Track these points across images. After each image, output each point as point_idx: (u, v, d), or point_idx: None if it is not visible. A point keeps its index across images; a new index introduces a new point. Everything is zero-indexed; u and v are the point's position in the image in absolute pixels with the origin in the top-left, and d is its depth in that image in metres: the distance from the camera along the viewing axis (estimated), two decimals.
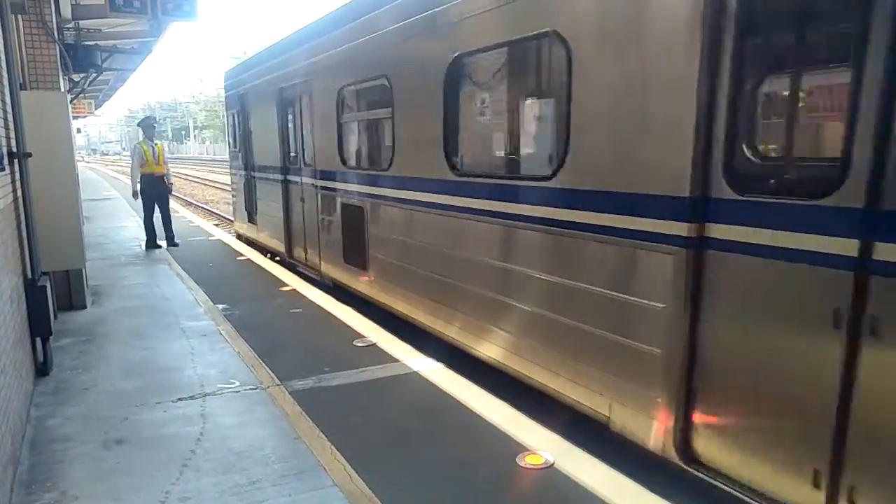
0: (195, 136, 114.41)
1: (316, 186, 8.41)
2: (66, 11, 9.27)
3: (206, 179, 41.54)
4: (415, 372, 5.16)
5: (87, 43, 10.42)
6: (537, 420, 4.20)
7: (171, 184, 12.00)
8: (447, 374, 5.09)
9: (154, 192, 11.36)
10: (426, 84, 5.56)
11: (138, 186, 11.36)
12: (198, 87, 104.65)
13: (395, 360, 5.42)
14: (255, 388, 4.89)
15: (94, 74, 11.91)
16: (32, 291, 5.14)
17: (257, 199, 11.45)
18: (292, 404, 4.57)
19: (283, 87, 9.38)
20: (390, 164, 6.32)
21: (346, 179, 7.51)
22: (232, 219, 17.48)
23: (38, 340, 5.24)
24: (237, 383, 4.99)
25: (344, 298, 7.66)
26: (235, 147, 12.79)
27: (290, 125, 9.49)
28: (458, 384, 4.88)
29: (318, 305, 7.37)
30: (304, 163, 8.86)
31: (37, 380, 5.12)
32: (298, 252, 9.55)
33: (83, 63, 10.16)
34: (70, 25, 10.21)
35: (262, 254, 11.10)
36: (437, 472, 3.65)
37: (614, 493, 3.34)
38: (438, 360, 5.40)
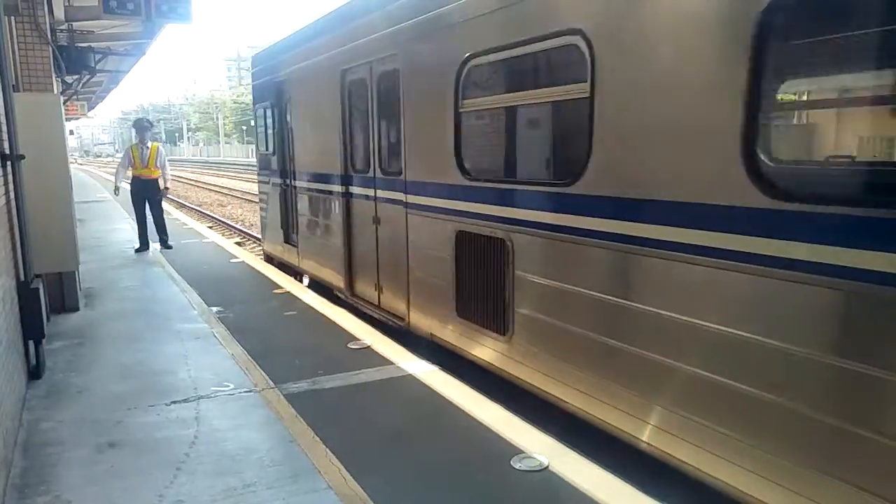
0: (188, 137, 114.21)
1: (406, 205, 6.02)
2: (60, 13, 9.24)
3: (199, 182, 41.44)
4: (409, 374, 5.16)
5: (80, 45, 10.37)
6: (532, 422, 4.21)
7: (166, 188, 11.51)
8: (442, 377, 5.10)
9: (142, 195, 11.26)
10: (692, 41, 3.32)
11: (120, 184, 11.80)
12: (191, 89, 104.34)
13: (390, 363, 5.42)
14: (250, 391, 4.88)
15: (88, 76, 11.85)
16: (25, 294, 5.11)
17: (299, 215, 9.10)
18: (287, 407, 4.56)
19: (349, 69, 7.10)
20: (581, 175, 3.96)
21: (469, 197, 5.12)
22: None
23: (31, 343, 5.21)
24: (231, 386, 4.98)
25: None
26: (267, 149, 10.32)
27: (359, 120, 7.15)
28: (452, 386, 4.88)
29: (312, 308, 7.36)
30: (384, 171, 6.58)
31: (29, 383, 5.09)
32: (367, 290, 7.20)
33: (76, 65, 10.12)
34: (63, 27, 10.17)
35: (296, 278, 9.40)
36: (432, 475, 3.64)
37: (609, 495, 3.35)
38: (433, 362, 5.40)
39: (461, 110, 5.13)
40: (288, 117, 9.30)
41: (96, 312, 7.35)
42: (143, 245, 11.34)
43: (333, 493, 3.42)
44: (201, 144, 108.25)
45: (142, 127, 11.46)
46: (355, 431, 4.21)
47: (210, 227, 16.94)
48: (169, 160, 12.12)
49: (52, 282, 7.06)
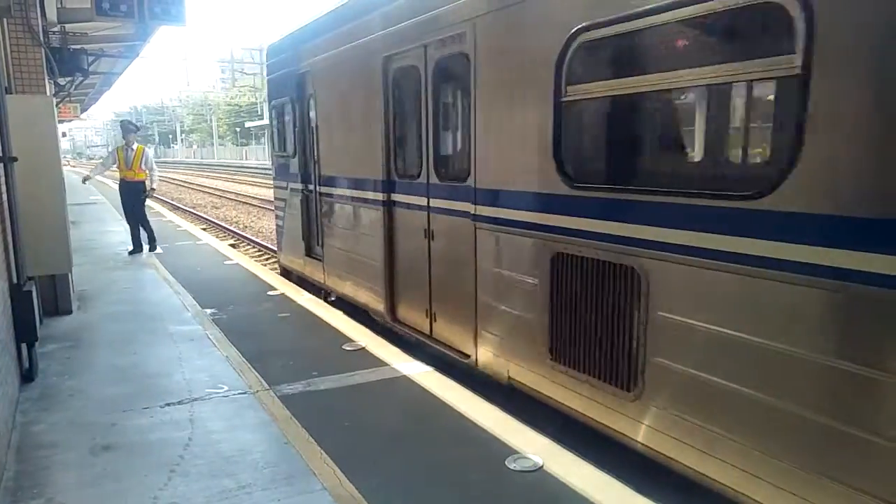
0: (182, 139, 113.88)
1: (474, 217, 4.96)
2: (52, 15, 9.19)
3: (193, 184, 41.33)
4: (404, 376, 5.16)
5: (73, 46, 10.32)
6: (527, 423, 4.22)
7: (152, 189, 11.36)
8: (437, 378, 5.10)
9: (126, 197, 11.20)
10: None
11: (94, 176, 12.71)
12: (185, 91, 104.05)
13: (385, 364, 5.42)
14: (244, 393, 4.87)
15: (81, 78, 11.80)
16: (18, 296, 5.09)
17: (325, 225, 8.00)
18: (281, 409, 4.56)
19: (394, 55, 6.00)
20: (780, 184, 2.92)
21: (574, 210, 4.01)
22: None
23: (24, 346, 5.19)
24: (225, 388, 4.97)
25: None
26: (284, 151, 9.26)
27: (406, 116, 6.13)
28: (447, 388, 4.89)
29: (306, 310, 7.35)
30: (441, 175, 5.55)
31: (22, 386, 5.07)
32: (415, 316, 6.17)
33: (69, 67, 10.06)
34: (56, 29, 10.12)
35: (319, 296, 8.28)
36: (426, 476, 3.65)
37: (603, 494, 3.36)
38: (428, 363, 5.41)
39: (565, 99, 3.99)
40: (311, 114, 8.18)
41: (90, 315, 7.32)
42: (137, 247, 11.31)
43: (328, 495, 3.42)
44: (195, 146, 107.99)
45: (126, 129, 11.34)
46: (350, 433, 4.21)
47: (204, 230, 16.89)
48: (163, 162, 12.18)
49: (46, 284, 7.04)
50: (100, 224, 16.20)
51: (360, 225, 7.01)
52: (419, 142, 5.75)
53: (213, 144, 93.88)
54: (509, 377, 4.78)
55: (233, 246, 14.71)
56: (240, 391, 4.90)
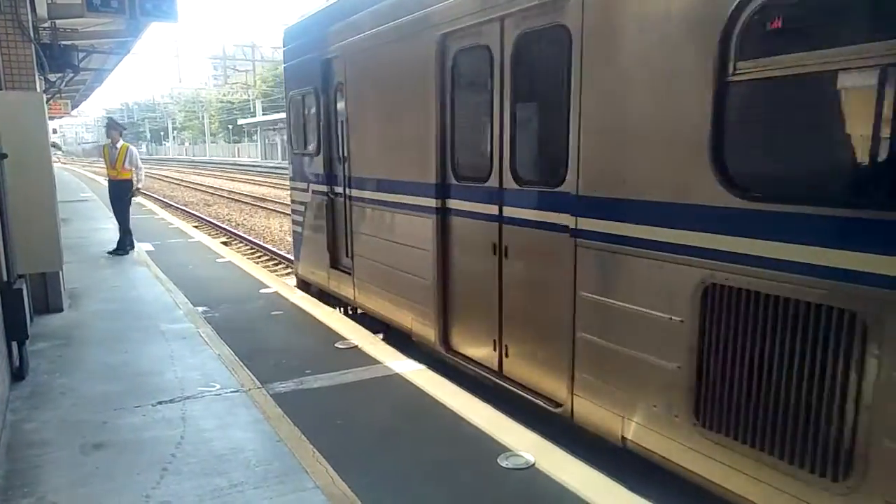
0: (174, 136, 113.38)
1: (575, 232, 3.97)
2: (42, 11, 9.14)
3: (185, 181, 41.17)
4: (397, 374, 5.17)
5: (63, 43, 10.26)
6: (519, 421, 4.23)
7: (137, 189, 11.14)
8: (429, 376, 5.11)
9: (114, 195, 11.10)
10: None
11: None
12: (176, 88, 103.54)
13: (377, 363, 5.42)
14: (236, 391, 4.86)
15: (71, 74, 11.73)
16: (8, 294, 5.06)
17: (357, 233, 6.98)
18: (274, 407, 4.55)
19: (455, 32, 5.03)
20: None
21: (745, 229, 3.03)
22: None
23: (14, 344, 5.17)
24: (218, 386, 4.96)
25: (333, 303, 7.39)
26: (304, 148, 8.23)
27: (471, 106, 5.18)
28: (440, 386, 4.89)
29: (299, 308, 7.34)
30: (522, 179, 4.59)
31: (13, 384, 5.04)
32: (478, 348, 5.20)
33: (59, 63, 10.00)
34: (46, 25, 10.07)
35: (344, 311, 7.61)
36: (419, 474, 3.66)
37: (594, 491, 3.38)
38: (420, 361, 5.41)
39: (735, 78, 3.01)
40: (340, 106, 7.15)
41: (81, 313, 7.29)
42: (130, 246, 11.26)
43: (321, 493, 3.43)
44: (187, 144, 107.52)
45: (109, 127, 11.22)
46: (343, 431, 4.21)
47: (196, 227, 16.84)
48: (155, 159, 12.03)
49: (36, 282, 7.00)
50: (91, 221, 16.11)
51: (404, 235, 6.04)
52: (488, 138, 4.81)
53: (205, 142, 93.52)
54: (624, 438, 3.75)
55: (225, 244, 14.67)
56: (232, 389, 4.90)
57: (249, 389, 4.89)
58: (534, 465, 3.66)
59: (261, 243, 15.13)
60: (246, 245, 15.42)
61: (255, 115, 70.14)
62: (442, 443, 4.02)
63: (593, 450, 3.88)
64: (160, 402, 4.66)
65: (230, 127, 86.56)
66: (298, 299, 7.73)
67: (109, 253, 10.98)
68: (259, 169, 53.21)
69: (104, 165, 11.39)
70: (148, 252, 11.22)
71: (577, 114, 3.89)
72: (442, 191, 5.40)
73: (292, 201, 9.10)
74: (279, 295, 7.98)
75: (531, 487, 3.48)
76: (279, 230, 18.06)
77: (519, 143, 4.61)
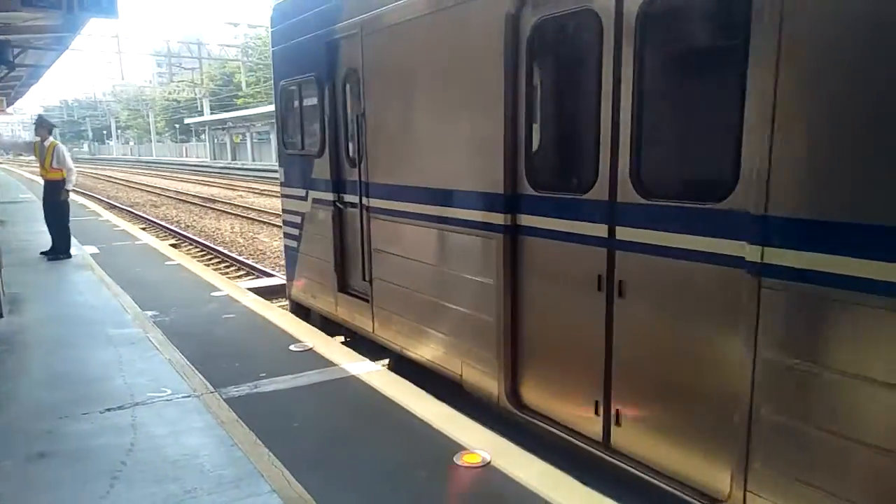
0: (118, 135, 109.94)
1: (759, 268, 2.87)
2: None
3: (131, 182, 40.03)
4: (353, 375, 5.16)
5: None
6: (475, 419, 4.29)
7: (67, 191, 10.34)
8: (386, 377, 5.12)
9: (44, 196, 10.66)
10: None
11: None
12: (119, 85, 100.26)
13: (333, 364, 5.40)
14: (188, 396, 4.78)
15: (6, 71, 11.30)
16: None
17: (379, 253, 5.76)
18: (227, 411, 4.50)
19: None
20: None
21: None
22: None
23: None
24: (169, 392, 4.87)
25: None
26: (302, 148, 7.11)
27: (563, 93, 4.22)
28: (397, 386, 4.91)
29: (252, 311, 7.25)
30: (643, 190, 3.47)
31: None
32: (569, 409, 4.06)
33: None
34: None
35: (346, 341, 6.53)
36: (376, 475, 3.67)
37: (549, 487, 3.45)
38: (377, 361, 5.42)
39: None
40: (355, 97, 5.95)
41: (23, 318, 7.03)
42: (52, 250, 10.65)
43: (277, 497, 3.41)
44: (132, 143, 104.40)
45: (37, 124, 10.67)
46: (299, 434, 4.19)
47: (143, 229, 16.39)
48: (98, 159, 11.54)
49: None
50: (33, 224, 15.50)
51: (451, 258, 4.88)
52: (592, 134, 3.66)
53: (150, 141, 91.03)
54: None
55: (174, 246, 14.34)
56: (184, 395, 4.81)
57: (202, 394, 4.82)
58: (490, 462, 3.72)
59: (212, 245, 14.85)
60: (196, 247, 15.10)
61: (202, 114, 68.62)
62: (399, 443, 4.04)
63: (548, 447, 3.96)
64: (108, 409, 4.55)
65: (177, 126, 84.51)
66: (251, 302, 7.63)
67: (43, 254, 10.54)
68: (208, 169, 52.17)
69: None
70: (93, 255, 10.88)
71: (769, 98, 2.74)
72: (512, 203, 4.23)
73: (284, 210, 7.78)
74: (231, 298, 7.85)
75: (487, 485, 3.53)
76: (230, 232, 17.75)
77: (646, 139, 3.43)
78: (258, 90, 62.64)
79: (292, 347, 5.86)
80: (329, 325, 6.78)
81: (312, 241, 7.04)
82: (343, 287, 6.51)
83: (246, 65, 59.09)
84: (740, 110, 2.92)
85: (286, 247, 7.87)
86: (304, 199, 7.08)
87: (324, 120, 6.44)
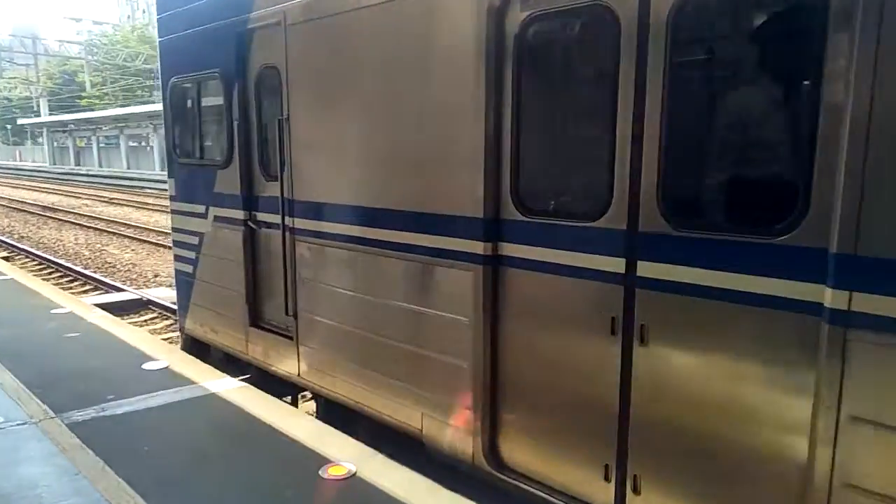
0: None
1: (851, 318, 2.34)
2: None
3: None
4: (213, 393, 4.97)
5: None
6: (342, 430, 4.28)
7: None
8: (250, 393, 4.97)
9: None
10: None
11: None
12: None
13: (192, 382, 5.16)
14: (24, 424, 4.38)
15: None
16: None
17: (308, 282, 4.89)
18: (70, 437, 4.17)
19: None
20: None
21: None
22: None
23: None
24: (1, 419, 4.43)
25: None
26: (200, 157, 6.15)
27: (552, 99, 3.56)
28: (260, 403, 4.79)
29: (99, 328, 6.74)
30: (673, 217, 2.89)
31: None
32: (560, 471, 3.46)
33: None
34: None
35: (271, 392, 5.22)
36: (239, 495, 3.57)
37: (412, 493, 3.53)
38: (240, 378, 5.25)
39: None
40: (272, 97, 5.10)
41: None
42: None
43: None
44: None
45: None
46: (154, 457, 3.97)
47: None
48: None
49: None
50: None
51: (411, 293, 4.09)
52: (604, 149, 3.10)
53: None
54: None
55: (6, 259, 13.04)
56: (19, 422, 4.40)
57: (40, 420, 4.43)
58: (356, 473, 3.73)
59: (51, 258, 13.64)
60: (33, 260, 13.81)
61: (39, 115, 62.76)
62: (263, 460, 3.95)
63: (413, 455, 4.04)
64: None
65: (9, 127, 76.76)
66: (98, 318, 7.09)
67: None
68: (47, 175, 47.84)
69: None
70: None
71: (855, 99, 2.27)
72: (493, 230, 3.58)
73: (175, 229, 6.63)
74: (74, 315, 7.26)
75: (352, 495, 3.55)
76: (74, 243, 16.39)
77: (677, 154, 2.88)
78: (105, 91, 58.39)
79: (145, 366, 5.53)
80: (233, 364, 5.80)
81: (214, 266, 6.01)
82: (256, 321, 5.57)
83: (91, 64, 54.93)
84: (816, 120, 2.40)
85: (177, 271, 6.71)
86: (204, 216, 6.02)
87: (231, 124, 5.48)
